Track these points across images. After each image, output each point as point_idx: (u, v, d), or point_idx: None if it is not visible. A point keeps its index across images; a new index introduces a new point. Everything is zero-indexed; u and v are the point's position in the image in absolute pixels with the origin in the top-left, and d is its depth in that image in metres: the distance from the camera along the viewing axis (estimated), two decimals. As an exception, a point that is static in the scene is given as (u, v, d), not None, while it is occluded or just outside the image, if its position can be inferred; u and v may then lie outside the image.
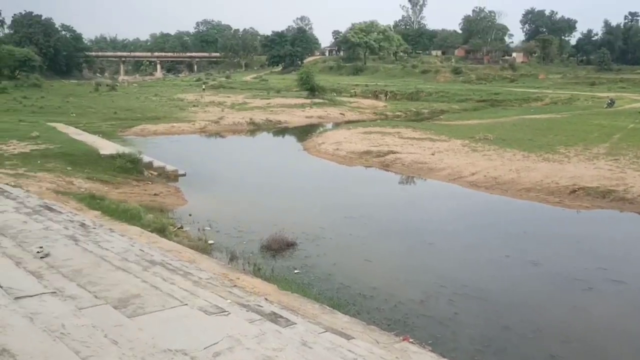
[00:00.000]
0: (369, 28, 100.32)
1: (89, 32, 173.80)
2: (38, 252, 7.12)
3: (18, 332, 3.82)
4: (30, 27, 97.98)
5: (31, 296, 4.82)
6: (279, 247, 12.64)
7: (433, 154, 23.09)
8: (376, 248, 13.23)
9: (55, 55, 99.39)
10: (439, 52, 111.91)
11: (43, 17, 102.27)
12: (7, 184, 15.04)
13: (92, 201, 14.53)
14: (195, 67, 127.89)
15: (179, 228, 13.84)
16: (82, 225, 10.43)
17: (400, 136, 28.16)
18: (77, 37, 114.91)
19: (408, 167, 22.06)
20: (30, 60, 78.77)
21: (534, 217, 16.20)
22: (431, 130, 30.47)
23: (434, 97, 57.65)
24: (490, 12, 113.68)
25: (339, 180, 21.46)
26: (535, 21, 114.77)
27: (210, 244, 12.83)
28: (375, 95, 56.66)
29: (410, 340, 7.66)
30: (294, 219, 15.06)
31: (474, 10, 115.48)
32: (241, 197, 18.18)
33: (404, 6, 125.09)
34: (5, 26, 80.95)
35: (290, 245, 12.81)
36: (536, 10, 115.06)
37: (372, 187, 20.15)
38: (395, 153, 23.74)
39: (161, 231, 12.70)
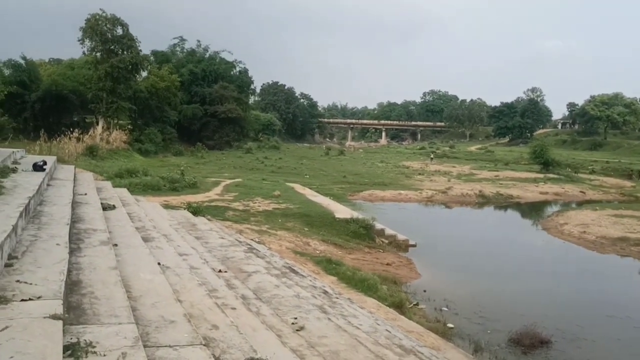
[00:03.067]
0: (612, 101, 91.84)
1: (322, 100, 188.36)
2: (293, 323, 6.73)
3: None
4: (275, 95, 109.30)
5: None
6: (530, 343, 10.94)
7: None
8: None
9: (293, 121, 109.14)
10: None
11: (286, 87, 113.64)
12: (252, 239, 15.76)
13: (329, 265, 14.40)
14: (419, 135, 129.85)
15: (414, 305, 12.96)
16: (325, 293, 10.09)
17: (662, 222, 24.13)
18: (313, 105, 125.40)
19: (680, 261, 18.50)
20: (272, 124, 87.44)
21: None
22: (702, 218, 25.65)
23: (696, 179, 49.52)
24: None
25: (590, 269, 18.70)
26: None
27: (450, 327, 11.64)
28: (629, 175, 50.37)
29: None
30: (543, 310, 13.19)
31: None
32: (478, 276, 16.68)
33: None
34: (255, 94, 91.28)
35: (544, 342, 11.02)
36: None
37: (636, 282, 17.16)
38: (660, 242, 20.21)
39: (398, 307, 11.91)
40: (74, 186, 10.68)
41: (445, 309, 12.94)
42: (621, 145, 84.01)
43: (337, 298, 9.92)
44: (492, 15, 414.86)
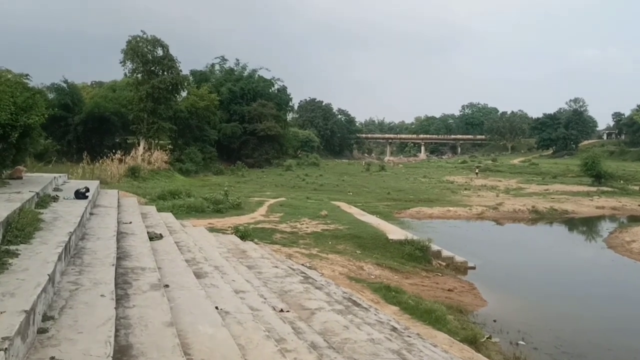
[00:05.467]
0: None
1: (359, 116, 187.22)
2: (377, 379, 5.67)
3: None
4: (313, 112, 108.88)
5: None
6: (628, 385, 9.61)
7: None
8: None
9: (331, 137, 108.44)
10: None
11: (323, 103, 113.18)
12: (303, 264, 14.80)
13: (388, 293, 13.29)
14: (459, 149, 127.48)
15: (487, 338, 11.70)
16: (395, 329, 9.00)
17: None
18: (351, 120, 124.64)
19: None
20: (311, 141, 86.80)
21: None
22: None
23: None
24: None
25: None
26: None
27: (533, 366, 10.37)
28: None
29: None
30: (631, 343, 11.80)
31: None
32: (549, 301, 15.26)
33: None
34: (293, 111, 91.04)
35: (643, 384, 9.68)
36: None
37: None
38: None
39: (472, 342, 10.69)
40: (118, 213, 9.91)
41: (522, 342, 11.64)
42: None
43: (409, 336, 8.80)
44: (526, 27, 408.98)
